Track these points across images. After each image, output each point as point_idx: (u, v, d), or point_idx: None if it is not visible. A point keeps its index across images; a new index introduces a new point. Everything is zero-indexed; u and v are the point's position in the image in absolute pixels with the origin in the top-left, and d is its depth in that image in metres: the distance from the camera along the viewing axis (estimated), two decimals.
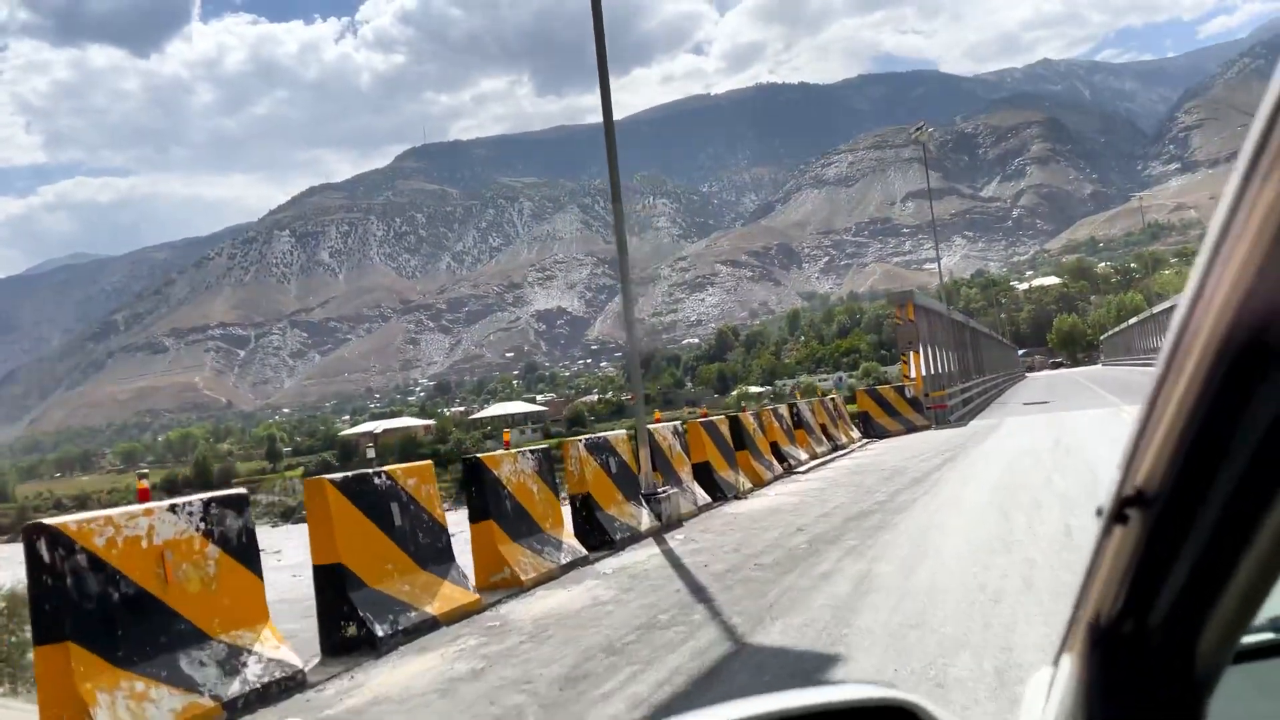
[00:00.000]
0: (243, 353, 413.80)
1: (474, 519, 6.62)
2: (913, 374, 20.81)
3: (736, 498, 10.52)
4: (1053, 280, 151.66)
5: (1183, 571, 0.70)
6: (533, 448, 7.53)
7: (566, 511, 7.68)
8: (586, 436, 8.04)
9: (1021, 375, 70.34)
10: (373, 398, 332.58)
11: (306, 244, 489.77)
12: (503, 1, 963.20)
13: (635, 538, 7.91)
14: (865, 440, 18.03)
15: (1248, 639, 1.00)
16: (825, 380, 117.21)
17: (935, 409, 20.60)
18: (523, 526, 6.67)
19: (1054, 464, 10.45)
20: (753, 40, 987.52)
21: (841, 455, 15.10)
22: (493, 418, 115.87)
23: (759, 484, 11.57)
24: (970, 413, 24.73)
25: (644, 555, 7.27)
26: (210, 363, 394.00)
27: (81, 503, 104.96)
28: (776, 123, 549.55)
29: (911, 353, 20.85)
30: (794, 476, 12.52)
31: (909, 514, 7.97)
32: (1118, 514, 0.72)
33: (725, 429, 11.34)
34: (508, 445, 8.91)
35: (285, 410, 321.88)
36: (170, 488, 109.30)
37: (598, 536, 7.63)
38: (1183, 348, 0.63)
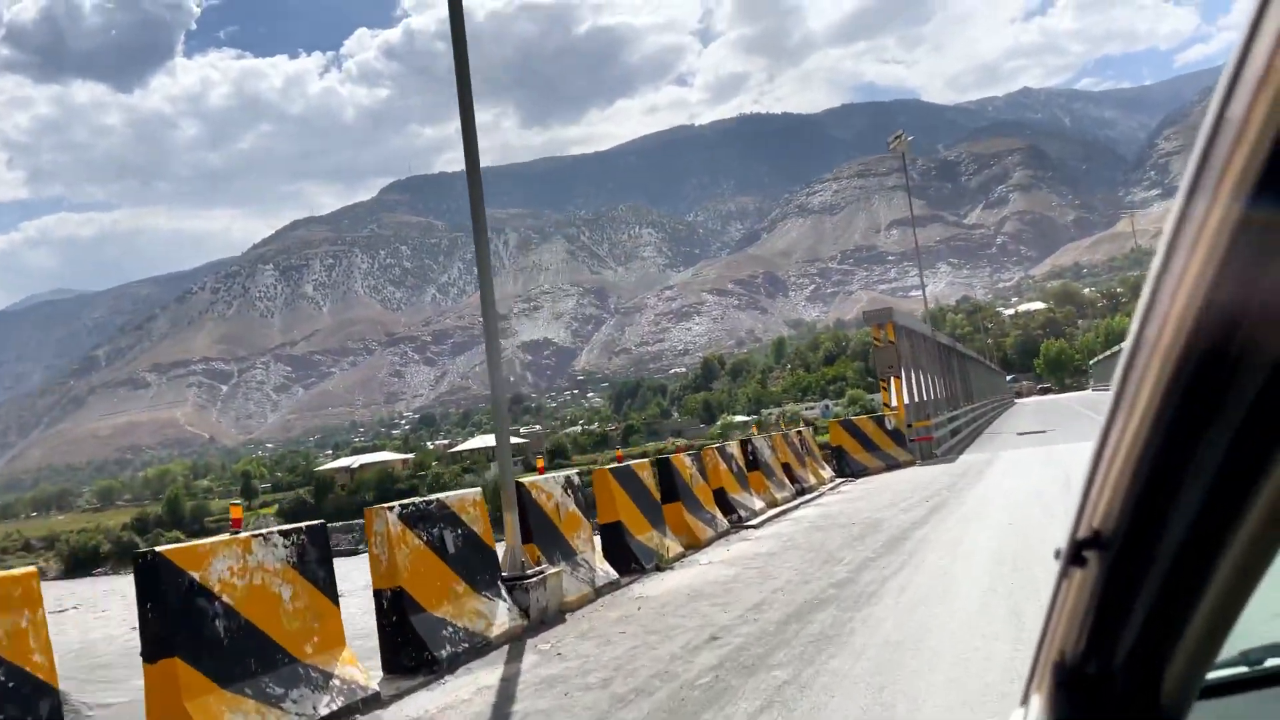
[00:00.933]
0: (225, 387, 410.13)
1: None
2: (893, 402, 18.50)
3: (658, 568, 8.02)
4: (1039, 305, 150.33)
5: (1143, 610, 0.71)
6: (270, 530, 4.95)
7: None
8: (407, 502, 5.46)
9: (1011, 402, 68.18)
10: (357, 431, 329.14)
11: (290, 277, 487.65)
12: (486, 35, 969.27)
13: (478, 650, 5.32)
14: (838, 481, 15.51)
15: (1214, 674, 1.00)
16: (811, 409, 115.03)
17: (919, 441, 18.22)
18: (237, 669, 4.36)
19: (1070, 509, 8.12)
20: (736, 71, 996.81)
21: (807, 501, 12.60)
22: (472, 450, 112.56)
23: (694, 545, 9.08)
24: (959, 445, 22.43)
25: (469, 691, 4.72)
26: (193, 398, 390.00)
27: (50, 543, 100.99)
28: (761, 152, 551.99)
29: (892, 378, 18.52)
30: (743, 533, 10.02)
31: (876, 607, 5.50)
32: (1075, 556, 0.74)
33: (649, 477, 8.81)
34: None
35: (269, 445, 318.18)
36: (141, 527, 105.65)
37: (413, 654, 5.11)
38: (1130, 387, 0.63)
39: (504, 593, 5.85)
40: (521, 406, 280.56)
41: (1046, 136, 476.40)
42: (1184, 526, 0.62)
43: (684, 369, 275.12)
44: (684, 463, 9.73)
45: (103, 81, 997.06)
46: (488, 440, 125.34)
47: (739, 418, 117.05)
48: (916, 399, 19.87)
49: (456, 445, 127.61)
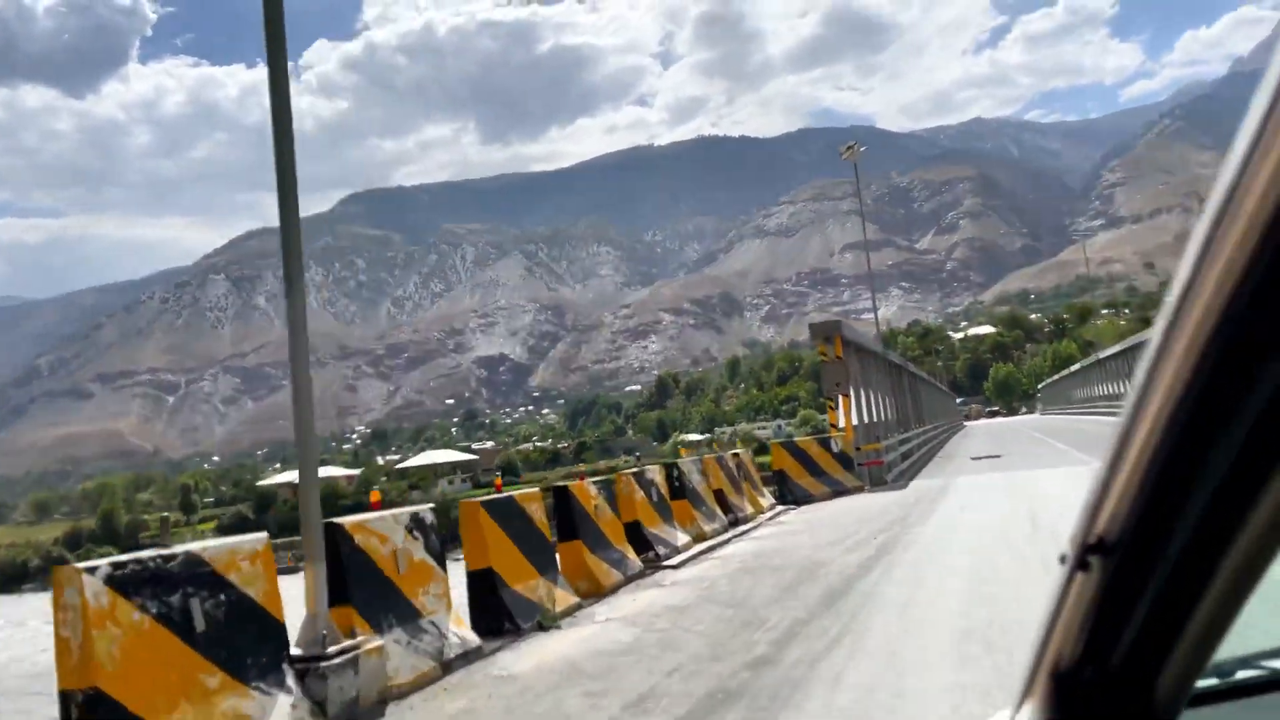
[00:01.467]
0: (172, 399, 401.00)
1: None
2: (841, 422, 17.10)
3: (540, 627, 6.36)
4: (988, 330, 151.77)
5: (1142, 615, 0.72)
6: None
7: None
8: (126, 559, 3.62)
9: (961, 424, 67.80)
10: None
11: (242, 288, 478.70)
12: (448, 51, 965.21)
13: None
14: (779, 509, 13.98)
15: (1203, 682, 1.02)
16: (764, 428, 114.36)
17: (869, 466, 16.89)
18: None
19: (1044, 557, 6.62)
20: (695, 94, 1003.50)
21: (742, 534, 11.05)
22: (420, 467, 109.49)
23: (595, 593, 7.42)
24: (910, 469, 21.31)
25: None
26: (138, 409, 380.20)
27: None
28: (719, 174, 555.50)
29: (840, 397, 17.17)
30: (658, 575, 8.36)
31: (798, 712, 3.93)
32: (1081, 561, 0.74)
33: (537, 510, 7.13)
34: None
35: (215, 458, 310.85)
36: (72, 542, 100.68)
37: None
38: (1148, 395, 0.63)
39: (290, 680, 4.16)
40: (475, 422, 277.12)
41: (996, 165, 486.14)
42: (1188, 533, 0.64)
43: (639, 387, 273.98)
44: (587, 492, 8.04)
45: (54, 86, 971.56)
46: (438, 455, 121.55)
47: (691, 436, 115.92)
48: (866, 420, 18.53)
49: (405, 461, 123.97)
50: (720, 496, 11.81)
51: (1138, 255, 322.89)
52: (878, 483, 16.71)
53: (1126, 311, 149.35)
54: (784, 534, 10.65)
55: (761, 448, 32.65)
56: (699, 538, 10.16)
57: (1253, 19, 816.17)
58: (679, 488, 10.35)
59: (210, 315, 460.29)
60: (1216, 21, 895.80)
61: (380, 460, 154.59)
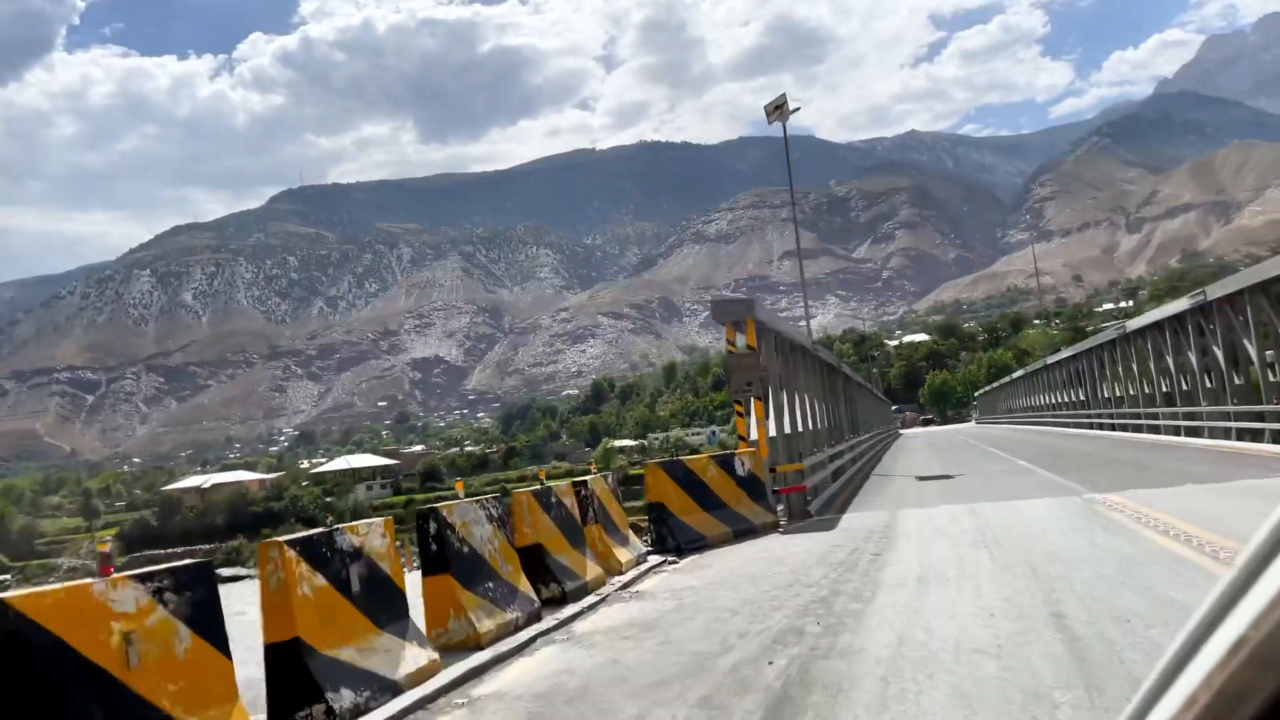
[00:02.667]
0: (91, 398, 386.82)
1: None
2: (753, 434, 13.03)
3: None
4: (923, 337, 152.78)
5: None
6: None
7: None
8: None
9: (896, 433, 66.77)
10: (232, 447, 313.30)
11: (168, 285, 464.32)
12: (387, 48, 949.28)
13: None
14: (650, 563, 9.95)
15: None
16: (698, 434, 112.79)
17: (788, 493, 13.00)
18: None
19: None
20: (638, 100, 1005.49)
21: (568, 620, 7.09)
22: (338, 472, 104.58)
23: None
24: (842, 493, 17.23)
25: None
26: (55, 408, 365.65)
27: None
28: (660, 179, 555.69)
29: (752, 400, 13.11)
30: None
31: None
32: None
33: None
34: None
35: (135, 460, 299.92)
36: None
37: None
38: None
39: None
40: (407, 425, 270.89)
41: (931, 178, 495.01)
42: None
43: (576, 391, 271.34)
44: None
45: None
46: (358, 460, 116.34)
47: (625, 441, 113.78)
48: (789, 430, 14.74)
49: (323, 465, 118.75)
50: (534, 559, 7.69)
51: (1066, 268, 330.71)
52: (799, 516, 12.81)
53: (1057, 322, 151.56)
54: (633, 628, 6.65)
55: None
56: (496, 636, 6.39)
57: (1177, 41, 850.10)
58: (438, 550, 6.45)
59: (134, 312, 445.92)
60: (1144, 43, 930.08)
61: (306, 464, 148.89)
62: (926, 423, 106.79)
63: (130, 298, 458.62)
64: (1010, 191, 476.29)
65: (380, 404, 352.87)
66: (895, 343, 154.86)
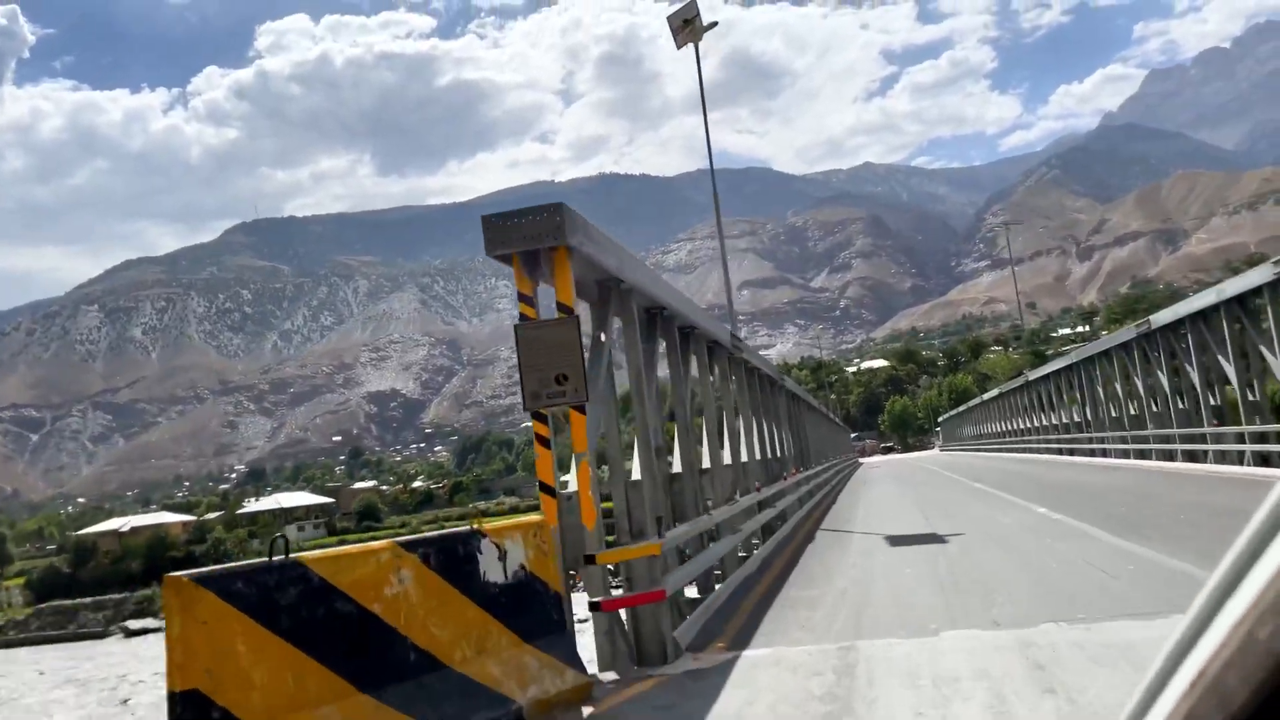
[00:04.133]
0: (35, 436, 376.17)
1: None
2: (572, 484, 7.11)
3: None
4: (882, 363, 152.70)
5: None
6: None
7: None
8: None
9: (856, 462, 64.59)
10: (181, 485, 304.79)
11: (117, 320, 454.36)
12: (344, 82, 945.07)
13: None
14: None
15: None
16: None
17: (626, 605, 7.10)
18: None
19: None
20: (597, 133, 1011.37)
21: None
22: (265, 512, 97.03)
23: None
24: (765, 575, 11.26)
25: None
26: None
27: None
28: (619, 211, 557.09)
29: (568, 412, 7.18)
30: None
31: None
32: None
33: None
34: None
35: (80, 499, 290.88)
36: None
37: None
38: None
39: None
40: (360, 460, 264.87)
41: (886, 208, 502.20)
42: None
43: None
44: None
45: None
46: (290, 498, 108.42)
47: (568, 476, 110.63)
48: (679, 468, 9.96)
49: (246, 506, 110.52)
50: None
51: (1020, 295, 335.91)
52: (647, 660, 6.90)
53: (1015, 348, 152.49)
54: None
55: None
56: None
57: (1120, 76, 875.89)
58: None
59: (81, 348, 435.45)
60: (1088, 78, 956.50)
61: (253, 502, 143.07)
62: (888, 450, 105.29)
63: (78, 333, 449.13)
64: (963, 222, 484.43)
65: (335, 439, 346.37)
66: (854, 369, 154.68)
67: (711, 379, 13.45)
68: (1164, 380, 23.16)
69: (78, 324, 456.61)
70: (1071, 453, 32.94)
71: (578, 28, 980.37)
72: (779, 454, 19.78)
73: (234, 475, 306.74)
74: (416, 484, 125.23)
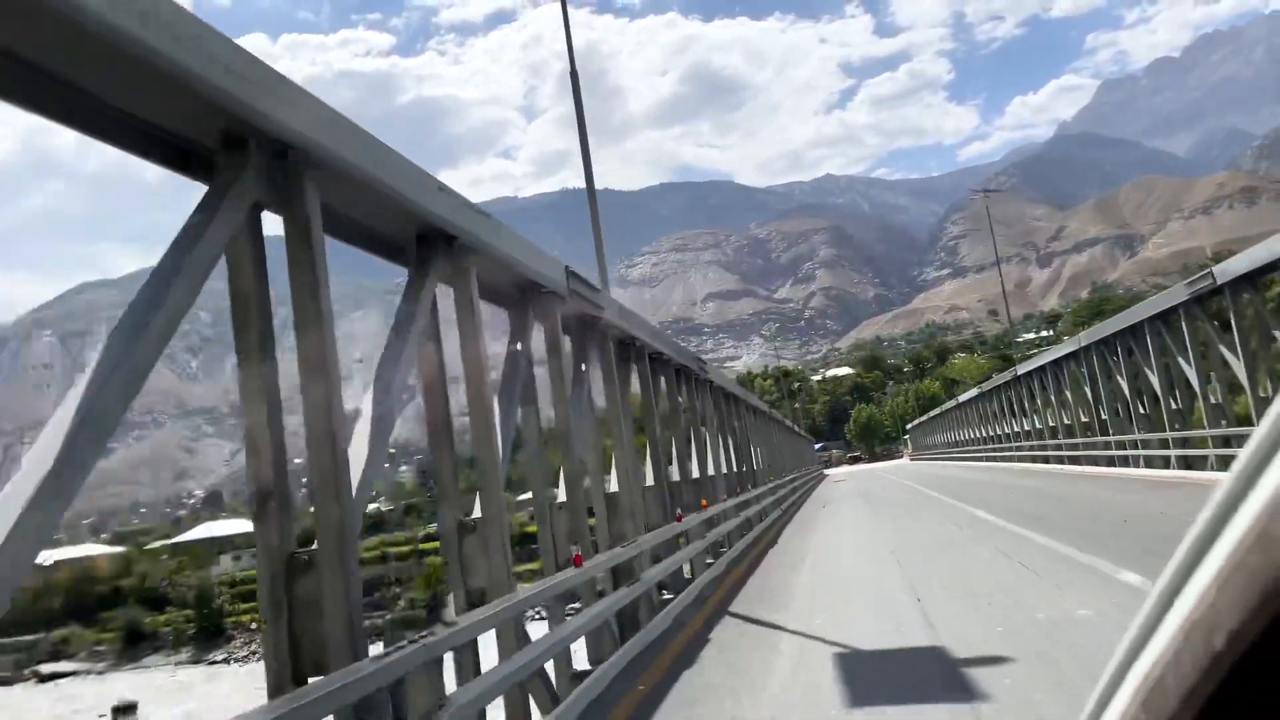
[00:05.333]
0: None
1: None
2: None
3: None
4: (846, 370, 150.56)
5: None
6: None
7: None
8: None
9: (820, 474, 61.50)
10: (138, 512, 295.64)
11: (71, 344, 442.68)
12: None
13: None
14: None
15: None
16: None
17: None
18: None
19: None
20: (559, 148, 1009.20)
21: None
22: (198, 541, 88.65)
23: None
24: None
25: None
26: None
27: None
28: (582, 225, 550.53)
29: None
30: None
31: None
32: None
33: None
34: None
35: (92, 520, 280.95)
36: None
37: None
38: None
39: None
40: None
41: (848, 219, 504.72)
42: None
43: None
44: None
45: None
46: (223, 526, 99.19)
47: (523, 495, 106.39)
48: (564, 497, 9.34)
49: (177, 535, 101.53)
50: None
51: (982, 302, 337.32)
52: None
53: (980, 352, 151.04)
54: None
55: None
56: None
57: (1074, 86, 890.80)
58: None
59: (33, 373, 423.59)
60: (1042, 88, 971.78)
61: (213, 527, 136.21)
62: (854, 460, 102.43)
63: (30, 359, 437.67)
64: (924, 231, 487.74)
65: (296, 461, 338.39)
66: (818, 377, 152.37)
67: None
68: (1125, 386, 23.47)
69: (30, 349, 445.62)
70: (1063, 460, 29.54)
71: (538, 44, 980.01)
72: (712, 474, 17.22)
73: (193, 500, 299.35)
74: (371, 505, 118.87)
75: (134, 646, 58.65)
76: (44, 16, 3.60)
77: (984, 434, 45.96)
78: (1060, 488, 21.37)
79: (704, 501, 14.71)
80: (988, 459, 42.91)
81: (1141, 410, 22.81)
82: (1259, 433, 0.48)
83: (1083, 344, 26.10)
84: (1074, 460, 28.35)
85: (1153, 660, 0.53)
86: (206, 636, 58.97)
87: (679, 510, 13.02)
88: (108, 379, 4.00)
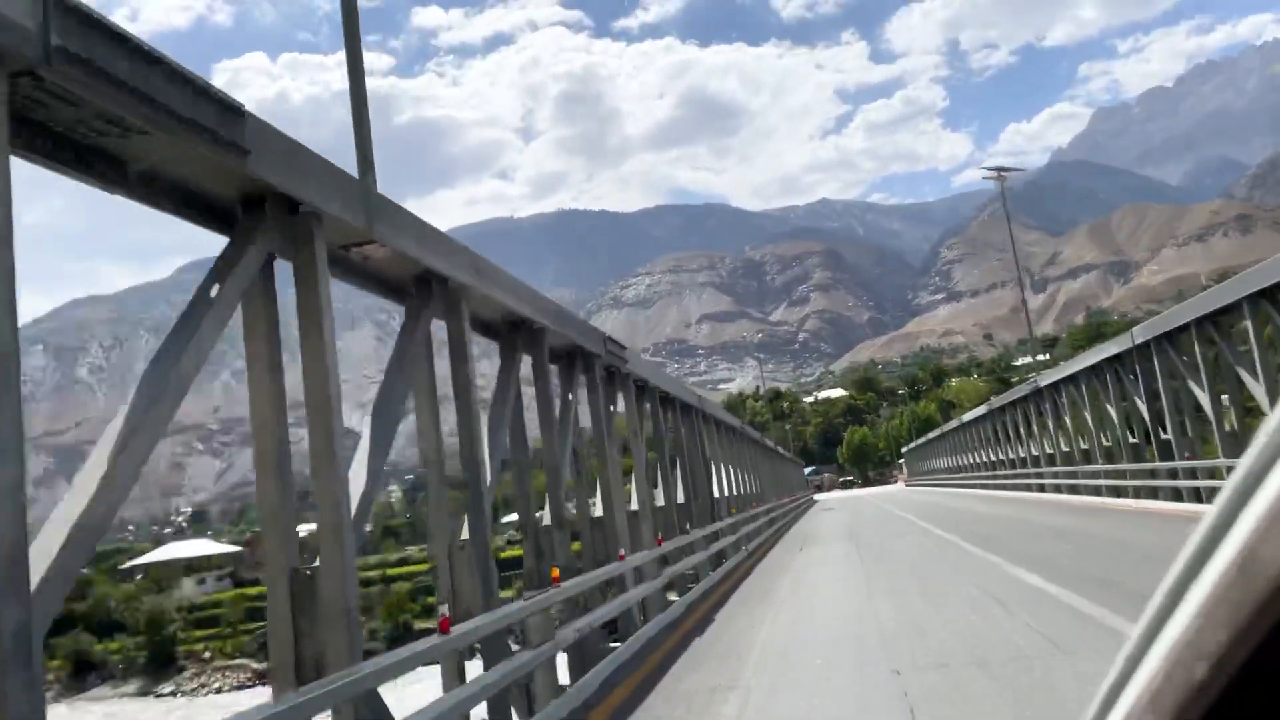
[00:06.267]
0: None
1: None
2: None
3: None
4: (840, 392, 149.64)
5: None
6: None
7: None
8: None
9: (809, 499, 60.22)
10: (125, 529, 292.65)
11: (63, 360, 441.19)
12: (302, 119, 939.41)
13: None
14: None
15: None
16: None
17: None
18: None
19: None
20: (556, 170, 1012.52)
21: None
22: (159, 564, 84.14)
23: None
24: None
25: None
26: None
27: None
28: (578, 246, 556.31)
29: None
30: None
31: None
32: None
33: None
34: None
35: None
36: None
37: None
38: None
39: None
40: (307, 502, 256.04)
41: (843, 242, 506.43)
42: None
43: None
44: None
45: None
46: (188, 547, 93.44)
47: (509, 517, 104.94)
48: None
49: (135, 559, 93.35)
50: None
51: (977, 327, 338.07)
52: None
53: (978, 375, 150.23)
54: None
55: None
56: None
57: (1068, 115, 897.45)
58: None
59: (25, 388, 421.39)
60: (1036, 116, 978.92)
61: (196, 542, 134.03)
62: (847, 485, 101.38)
63: (22, 373, 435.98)
64: (918, 256, 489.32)
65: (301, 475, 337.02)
66: (811, 399, 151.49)
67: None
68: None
69: (23, 364, 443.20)
70: (1100, 491, 24.41)
71: (536, 66, 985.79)
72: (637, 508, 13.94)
73: (180, 518, 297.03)
74: None
75: (80, 677, 55.26)
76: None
77: (989, 458, 41.93)
78: (1119, 530, 16.22)
79: (555, 574, 8.66)
80: (995, 487, 38.54)
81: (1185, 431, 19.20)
82: (1245, 461, 0.48)
83: (1136, 341, 20.57)
84: (1113, 492, 23.22)
85: (1137, 694, 0.53)
86: (157, 666, 55.53)
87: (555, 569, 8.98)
88: (153, 393, 5.03)
